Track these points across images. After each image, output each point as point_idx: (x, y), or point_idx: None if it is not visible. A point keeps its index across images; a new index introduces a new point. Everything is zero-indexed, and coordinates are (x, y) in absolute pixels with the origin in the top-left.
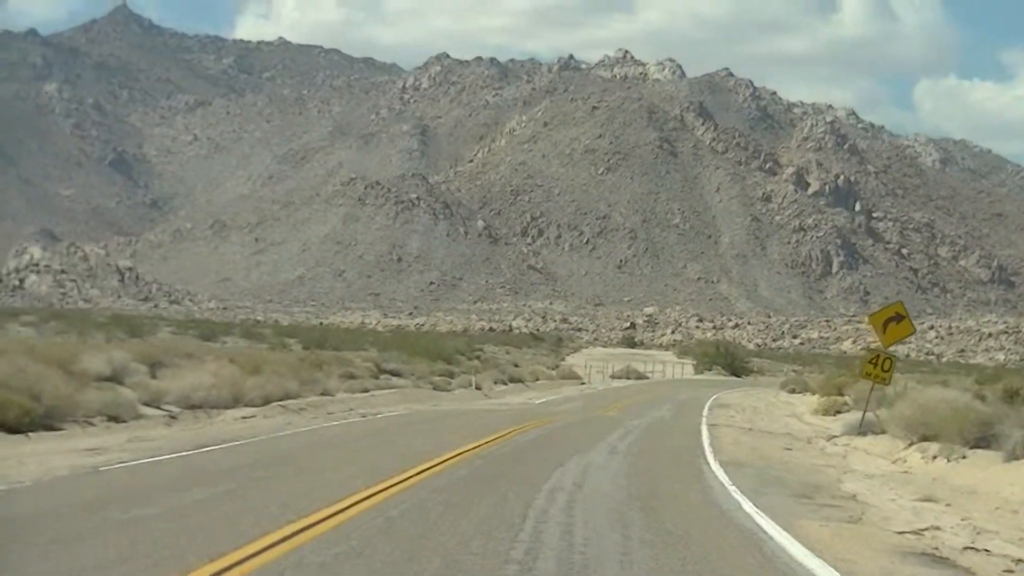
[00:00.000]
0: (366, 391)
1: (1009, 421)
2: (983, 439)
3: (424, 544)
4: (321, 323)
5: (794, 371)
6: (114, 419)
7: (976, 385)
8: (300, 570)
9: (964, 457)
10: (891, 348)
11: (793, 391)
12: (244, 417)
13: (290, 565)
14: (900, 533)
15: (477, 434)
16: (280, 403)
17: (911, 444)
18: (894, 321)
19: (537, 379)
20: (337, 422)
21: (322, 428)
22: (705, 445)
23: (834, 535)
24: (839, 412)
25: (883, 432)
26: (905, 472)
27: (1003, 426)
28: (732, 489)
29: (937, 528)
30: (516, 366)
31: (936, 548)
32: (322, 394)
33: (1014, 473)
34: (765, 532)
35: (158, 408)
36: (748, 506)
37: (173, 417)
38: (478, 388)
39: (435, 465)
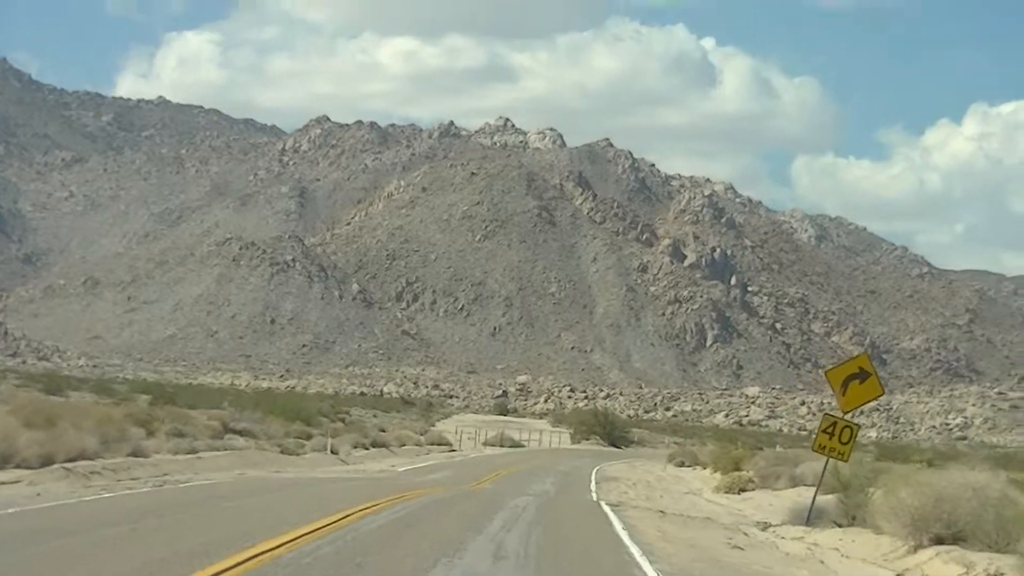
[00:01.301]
0: (194, 452)
1: None
2: None
3: None
4: (190, 383)
5: (676, 443)
6: None
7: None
8: None
9: None
10: (851, 413)
11: (681, 464)
12: (3, 483)
13: None
14: None
15: (303, 517)
16: (67, 465)
17: (917, 547)
18: (857, 379)
19: (403, 444)
20: (113, 493)
21: (81, 503)
22: (625, 539)
23: None
24: (744, 490)
25: (851, 524)
26: None
27: None
28: None
29: None
30: (382, 431)
31: None
32: (131, 455)
33: None
34: None
35: None
36: None
37: None
38: (334, 452)
39: None
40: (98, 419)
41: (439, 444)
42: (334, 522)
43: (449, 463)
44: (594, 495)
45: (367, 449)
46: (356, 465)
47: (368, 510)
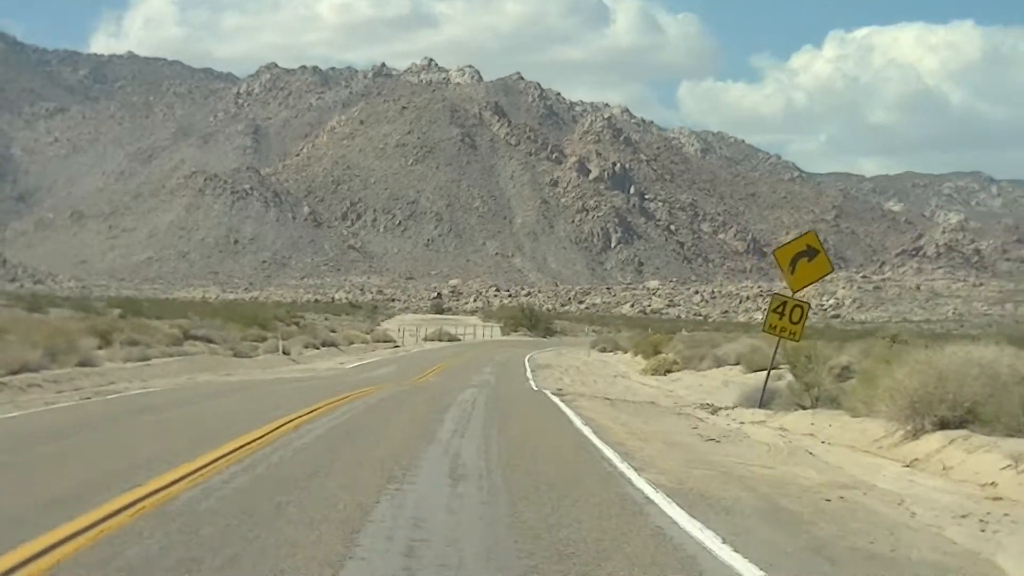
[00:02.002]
0: (145, 360)
1: None
2: None
3: None
4: (166, 298)
5: (594, 331)
6: None
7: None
8: None
9: None
10: (801, 292)
11: (604, 350)
12: None
13: None
14: None
15: (229, 430)
16: (4, 379)
17: (917, 431)
18: (805, 257)
19: (351, 343)
20: (25, 411)
21: None
22: (592, 439)
23: None
24: (669, 372)
25: (814, 406)
26: (997, 498)
27: None
28: None
29: None
30: (333, 331)
31: None
32: (80, 364)
33: None
34: None
35: None
36: None
37: None
38: (286, 353)
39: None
40: (48, 331)
41: (384, 341)
42: (263, 436)
43: (394, 358)
44: (532, 383)
45: (317, 349)
46: (306, 364)
47: (306, 416)
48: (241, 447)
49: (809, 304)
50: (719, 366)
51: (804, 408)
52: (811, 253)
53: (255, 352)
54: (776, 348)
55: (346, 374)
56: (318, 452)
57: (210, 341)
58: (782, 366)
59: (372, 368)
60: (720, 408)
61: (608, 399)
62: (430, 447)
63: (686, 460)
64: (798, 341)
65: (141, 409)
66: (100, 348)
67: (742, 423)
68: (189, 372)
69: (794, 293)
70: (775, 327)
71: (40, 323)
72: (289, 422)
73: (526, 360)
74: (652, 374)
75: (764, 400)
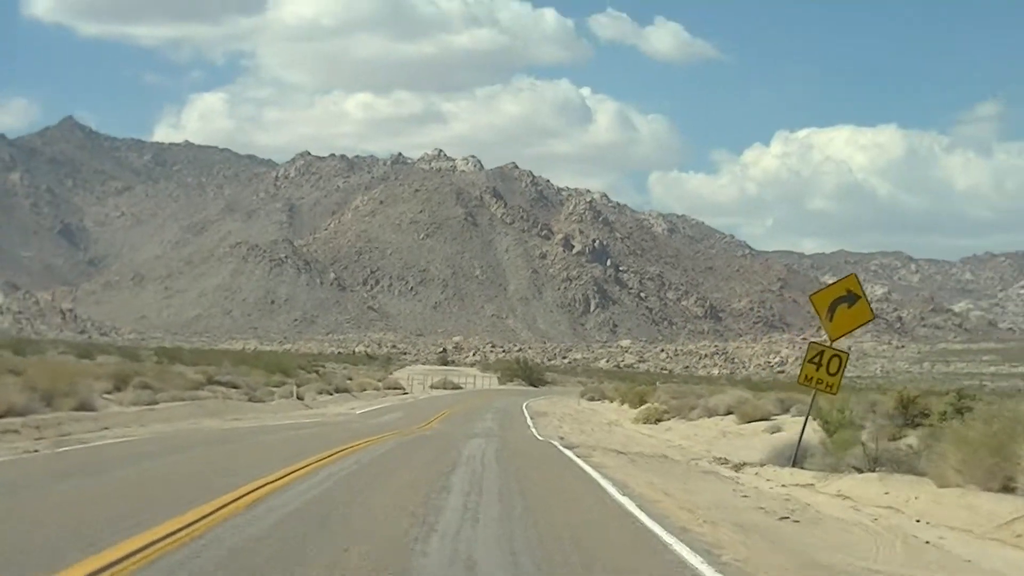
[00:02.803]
0: (151, 404)
1: None
2: None
3: None
4: (211, 349)
5: (580, 382)
6: None
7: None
8: None
9: None
10: (840, 341)
11: (592, 399)
12: None
13: None
14: None
15: (177, 502)
16: None
17: None
18: (845, 303)
19: (364, 390)
20: None
21: None
22: (643, 519)
23: None
24: (660, 420)
25: (872, 469)
26: None
27: None
28: None
29: None
30: (349, 379)
31: None
32: (78, 408)
33: None
34: None
35: None
36: None
37: None
38: (299, 398)
39: None
40: (52, 374)
41: (394, 388)
42: (204, 517)
43: (402, 404)
44: (535, 431)
45: (331, 395)
46: (318, 409)
47: (280, 481)
48: (160, 540)
49: (848, 354)
50: (709, 416)
51: (859, 471)
52: (851, 298)
53: (270, 397)
54: (813, 401)
55: (353, 420)
56: (265, 554)
57: (234, 386)
58: (775, 417)
59: (380, 414)
60: (743, 464)
61: (623, 453)
62: (430, 544)
63: (796, 567)
64: (835, 393)
65: (78, 468)
66: (117, 391)
67: (783, 485)
68: (195, 417)
69: (832, 342)
70: (811, 378)
71: (52, 366)
72: (253, 491)
73: (524, 407)
74: (644, 423)
75: (798, 458)
